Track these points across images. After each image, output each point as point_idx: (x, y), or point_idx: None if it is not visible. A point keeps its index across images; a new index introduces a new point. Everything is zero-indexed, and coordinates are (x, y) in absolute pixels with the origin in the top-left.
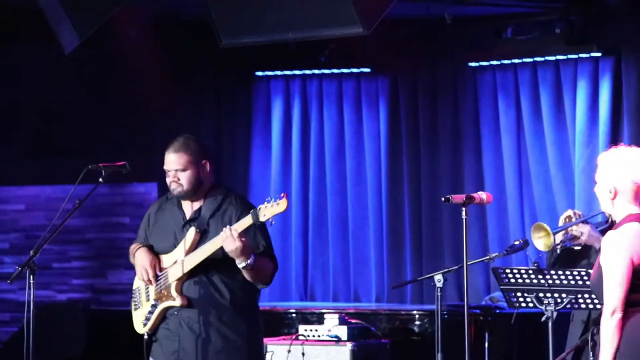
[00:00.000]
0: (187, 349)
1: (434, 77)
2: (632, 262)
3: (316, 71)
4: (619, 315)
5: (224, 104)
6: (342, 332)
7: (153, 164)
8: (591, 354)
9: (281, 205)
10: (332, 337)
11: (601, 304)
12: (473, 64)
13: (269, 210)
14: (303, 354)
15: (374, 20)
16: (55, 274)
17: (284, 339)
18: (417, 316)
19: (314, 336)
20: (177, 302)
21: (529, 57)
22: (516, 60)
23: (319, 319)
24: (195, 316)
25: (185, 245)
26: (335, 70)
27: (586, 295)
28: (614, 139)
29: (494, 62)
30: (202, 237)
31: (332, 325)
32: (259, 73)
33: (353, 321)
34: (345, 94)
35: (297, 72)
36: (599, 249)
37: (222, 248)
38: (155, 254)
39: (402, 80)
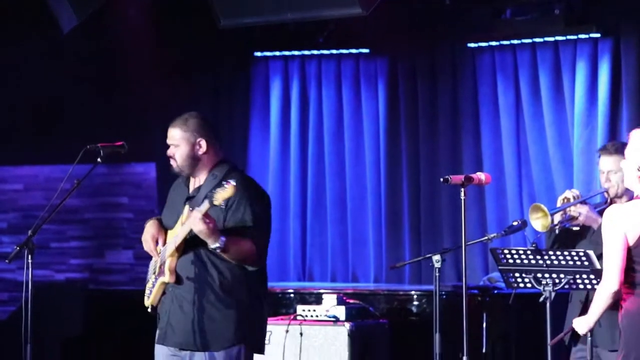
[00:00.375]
0: (174, 326)
1: (432, 58)
2: (625, 238)
3: (315, 52)
4: (613, 287)
5: (222, 84)
6: (340, 312)
7: (151, 144)
8: (589, 334)
9: (228, 190)
10: (330, 317)
11: None
12: (472, 45)
13: (219, 195)
14: (301, 333)
15: (373, 1)
16: (53, 254)
17: (282, 319)
18: (415, 296)
19: (312, 316)
20: (167, 278)
21: (528, 38)
22: (515, 41)
23: (317, 299)
24: (185, 294)
25: (181, 222)
26: (334, 51)
27: (584, 276)
28: (613, 120)
29: (493, 43)
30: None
31: (330, 305)
32: (258, 54)
33: (351, 301)
34: (344, 74)
35: (295, 52)
36: (598, 230)
37: None
38: (164, 228)
39: (401, 61)
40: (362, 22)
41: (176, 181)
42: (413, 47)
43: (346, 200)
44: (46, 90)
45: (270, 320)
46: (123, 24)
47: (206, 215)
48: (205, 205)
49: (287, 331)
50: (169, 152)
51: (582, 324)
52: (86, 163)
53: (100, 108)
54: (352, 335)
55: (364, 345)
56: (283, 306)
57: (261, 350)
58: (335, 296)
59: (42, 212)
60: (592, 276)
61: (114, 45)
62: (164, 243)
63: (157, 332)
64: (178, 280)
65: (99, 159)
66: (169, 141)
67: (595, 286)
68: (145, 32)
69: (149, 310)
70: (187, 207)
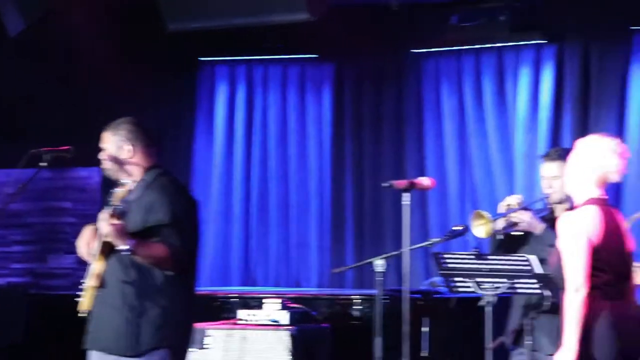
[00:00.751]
0: (100, 330)
1: (378, 63)
2: (590, 242)
3: (261, 57)
4: (583, 292)
5: (168, 89)
6: (283, 316)
7: (96, 148)
8: (529, 337)
9: (123, 190)
10: (272, 321)
11: (561, 288)
12: (417, 51)
13: (116, 195)
14: (243, 338)
15: (321, 7)
16: None
17: (224, 324)
18: (357, 301)
19: (254, 321)
20: (91, 282)
21: (473, 45)
22: (460, 48)
23: (260, 304)
24: (109, 298)
25: None
26: (281, 56)
27: (524, 281)
28: (555, 126)
29: (438, 49)
30: (123, 220)
31: (272, 309)
32: (204, 58)
33: (294, 306)
34: (290, 79)
35: (242, 57)
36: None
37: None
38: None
39: (347, 66)
40: (309, 27)
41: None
42: (359, 52)
43: (290, 205)
44: None
45: (212, 324)
46: (70, 27)
47: (112, 218)
48: (109, 207)
49: (229, 336)
50: (100, 155)
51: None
52: (31, 167)
53: (43, 112)
54: (294, 339)
55: (306, 349)
56: (226, 311)
57: (184, 356)
58: (278, 301)
59: None
60: (533, 281)
61: (61, 49)
62: None
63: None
64: (104, 284)
65: (43, 164)
66: (101, 145)
67: (536, 291)
68: (92, 36)
69: (80, 314)
70: (100, 214)
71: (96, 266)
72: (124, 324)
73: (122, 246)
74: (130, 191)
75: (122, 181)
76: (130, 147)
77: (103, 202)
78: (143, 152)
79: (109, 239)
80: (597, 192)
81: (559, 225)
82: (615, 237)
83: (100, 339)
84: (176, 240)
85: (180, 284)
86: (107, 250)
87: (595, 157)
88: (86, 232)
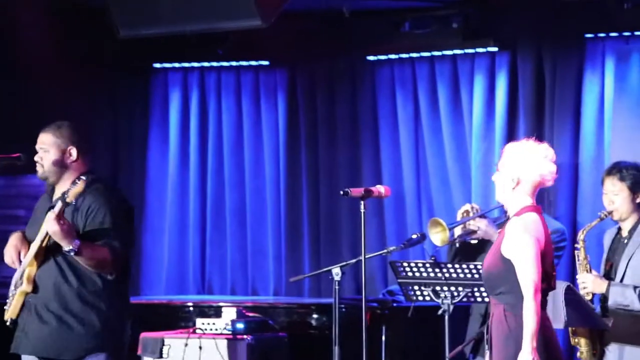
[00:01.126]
0: (29, 334)
1: (332, 70)
2: (541, 249)
3: (214, 64)
4: (539, 296)
5: (120, 95)
6: (240, 325)
7: None
8: (487, 346)
9: (79, 186)
10: (229, 330)
11: (491, 294)
12: (371, 58)
13: (72, 191)
14: (200, 347)
15: (273, 13)
16: None
17: (180, 333)
18: (314, 309)
19: (211, 330)
20: (25, 288)
21: (426, 52)
22: (414, 55)
23: (217, 313)
24: (43, 302)
25: (42, 232)
26: (234, 63)
27: (482, 289)
28: (510, 133)
29: (392, 56)
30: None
31: (229, 318)
32: (157, 65)
33: (251, 314)
34: (243, 86)
35: (195, 64)
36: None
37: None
38: (27, 240)
39: (300, 73)
40: (262, 34)
41: (42, 196)
42: (313, 59)
43: (246, 213)
44: None
45: (169, 333)
46: (20, 31)
47: (60, 217)
48: (59, 205)
49: (186, 345)
50: (37, 157)
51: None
52: None
53: None
54: (251, 348)
55: (263, 358)
56: (182, 319)
57: None
58: (234, 309)
59: None
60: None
61: (11, 54)
62: (25, 255)
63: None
64: (36, 289)
65: None
66: (38, 146)
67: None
68: (42, 41)
69: (8, 323)
70: (49, 214)
71: (30, 270)
72: (62, 328)
73: (68, 246)
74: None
75: (81, 178)
76: (75, 150)
77: (50, 201)
78: (83, 156)
79: (55, 238)
80: (531, 200)
81: (511, 230)
82: (549, 248)
83: (30, 342)
84: (117, 244)
85: (117, 288)
86: (42, 253)
87: (531, 164)
88: (13, 239)
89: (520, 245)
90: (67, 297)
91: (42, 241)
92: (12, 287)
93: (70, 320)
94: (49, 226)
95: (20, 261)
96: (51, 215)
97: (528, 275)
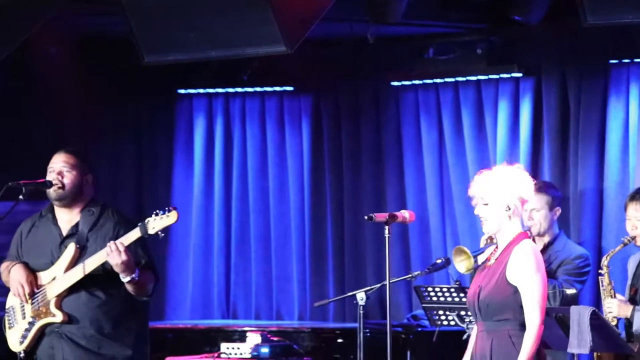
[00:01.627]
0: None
1: (356, 96)
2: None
3: (239, 89)
4: (542, 326)
5: (145, 122)
6: (264, 350)
7: None
8: None
9: (171, 217)
10: (254, 355)
11: (488, 319)
12: (395, 84)
13: (158, 223)
14: None
15: (297, 39)
16: None
17: (205, 357)
18: (339, 334)
19: (236, 354)
20: (58, 318)
21: (450, 77)
22: (438, 80)
23: (241, 337)
24: (77, 330)
25: (65, 261)
26: (258, 89)
27: None
28: (535, 158)
29: (416, 82)
30: (82, 253)
31: (254, 343)
32: (182, 91)
33: (275, 339)
34: (268, 112)
35: (220, 90)
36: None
37: (103, 263)
38: (32, 271)
39: (324, 99)
40: (286, 59)
41: (31, 222)
42: (337, 85)
43: (270, 238)
44: None
45: (194, 358)
46: (45, 60)
47: (126, 248)
48: (132, 235)
49: None
50: (57, 173)
51: None
52: (8, 200)
53: (22, 144)
54: None
55: None
56: (207, 344)
57: None
58: (259, 334)
59: None
60: None
61: (37, 83)
62: (37, 286)
63: None
64: (68, 318)
65: (21, 196)
66: (58, 165)
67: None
68: (68, 68)
69: (21, 355)
70: (72, 245)
71: (56, 301)
72: (102, 351)
73: (129, 276)
74: (77, 223)
75: (170, 208)
76: (91, 177)
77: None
78: (93, 185)
79: (117, 269)
80: (521, 225)
81: (520, 258)
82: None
83: None
84: (153, 266)
85: (144, 310)
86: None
87: (522, 190)
88: (21, 271)
89: (531, 273)
90: (103, 323)
91: (88, 270)
92: (16, 320)
93: (110, 344)
94: (114, 257)
95: (33, 294)
96: (118, 247)
97: (538, 303)
